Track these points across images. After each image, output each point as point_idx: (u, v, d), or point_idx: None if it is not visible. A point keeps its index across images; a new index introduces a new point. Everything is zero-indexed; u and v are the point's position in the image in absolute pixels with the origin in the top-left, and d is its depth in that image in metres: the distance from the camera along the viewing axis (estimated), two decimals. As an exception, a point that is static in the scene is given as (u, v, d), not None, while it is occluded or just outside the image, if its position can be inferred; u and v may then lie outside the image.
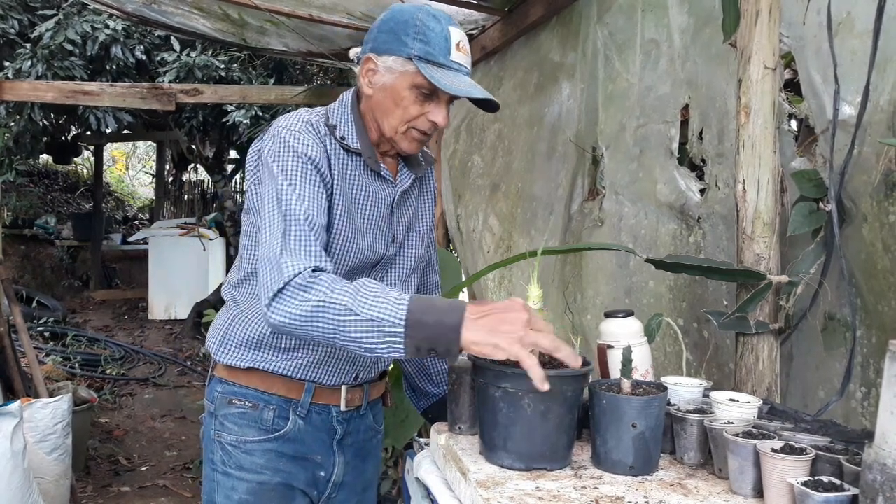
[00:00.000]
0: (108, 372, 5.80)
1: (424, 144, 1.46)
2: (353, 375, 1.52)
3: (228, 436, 1.48)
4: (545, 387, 1.06)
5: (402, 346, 1.14)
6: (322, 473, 1.53)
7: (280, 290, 1.21)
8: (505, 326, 1.09)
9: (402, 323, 1.12)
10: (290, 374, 1.47)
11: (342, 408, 1.51)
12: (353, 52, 1.46)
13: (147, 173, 12.87)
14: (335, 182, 1.38)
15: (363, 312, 1.14)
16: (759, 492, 1.02)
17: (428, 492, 1.30)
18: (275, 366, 1.46)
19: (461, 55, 1.35)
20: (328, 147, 1.39)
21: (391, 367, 1.84)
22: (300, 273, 1.21)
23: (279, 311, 1.20)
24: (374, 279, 1.42)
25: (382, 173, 1.45)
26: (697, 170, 1.83)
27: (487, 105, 1.41)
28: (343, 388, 1.51)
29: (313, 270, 1.22)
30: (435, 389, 1.65)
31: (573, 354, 1.11)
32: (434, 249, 1.70)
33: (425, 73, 1.31)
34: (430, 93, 1.35)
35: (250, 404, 1.48)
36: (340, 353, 1.46)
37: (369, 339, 1.15)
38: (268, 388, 1.47)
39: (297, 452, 1.48)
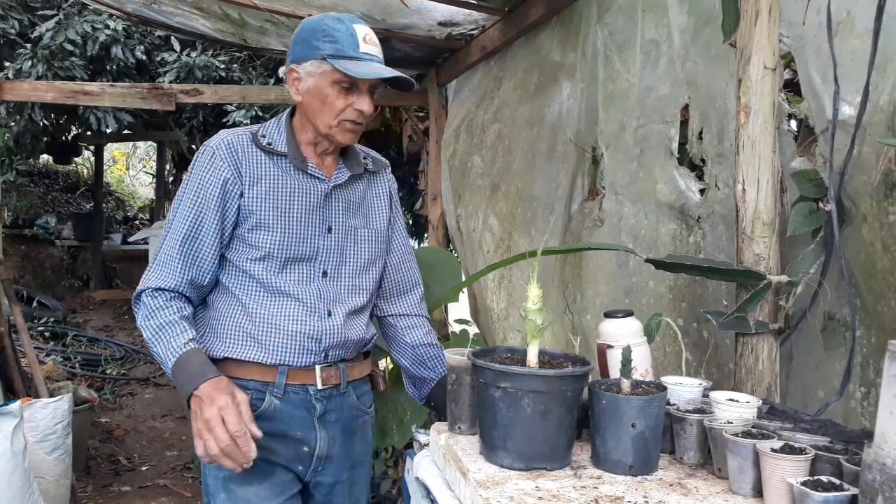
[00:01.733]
0: (108, 372, 5.80)
1: (359, 134, 1.60)
2: (323, 355, 1.59)
3: None
4: (221, 463, 1.37)
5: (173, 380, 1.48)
6: (306, 448, 1.61)
7: (137, 297, 1.55)
8: (199, 415, 1.38)
9: (171, 368, 1.46)
10: (261, 360, 1.56)
11: (319, 386, 1.60)
12: (282, 71, 1.60)
13: (147, 173, 12.85)
14: (247, 187, 1.54)
15: (155, 347, 1.48)
16: (758, 491, 1.02)
17: (428, 491, 1.30)
18: (246, 353, 1.56)
19: (369, 46, 1.52)
20: (245, 156, 1.55)
21: (390, 365, 1.85)
22: (146, 290, 1.53)
23: (135, 310, 1.56)
24: (328, 273, 1.61)
25: (310, 171, 1.59)
26: (697, 170, 1.83)
27: (400, 85, 1.55)
28: (317, 367, 1.60)
29: (156, 289, 1.52)
30: (431, 374, 1.73)
31: (235, 464, 1.36)
32: (406, 248, 1.79)
33: (339, 66, 1.47)
34: (351, 85, 1.52)
35: None
36: (302, 337, 1.56)
37: (160, 364, 1.51)
38: (244, 375, 1.57)
39: (275, 430, 1.55)
